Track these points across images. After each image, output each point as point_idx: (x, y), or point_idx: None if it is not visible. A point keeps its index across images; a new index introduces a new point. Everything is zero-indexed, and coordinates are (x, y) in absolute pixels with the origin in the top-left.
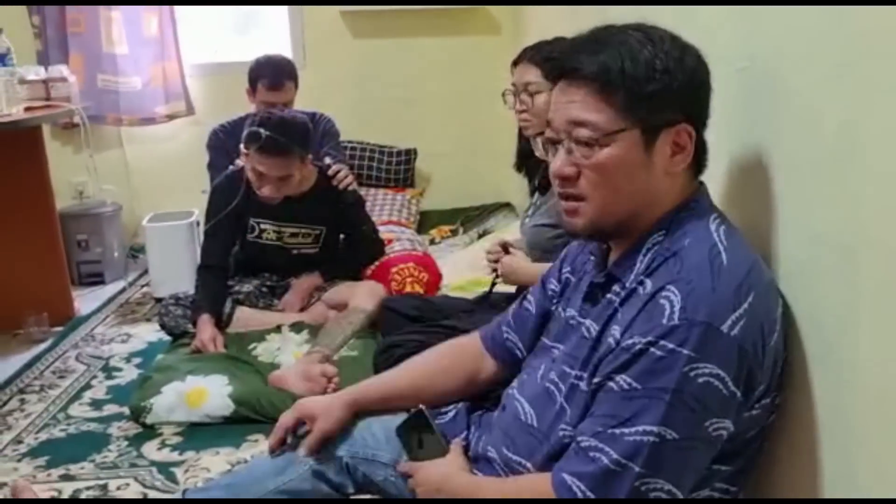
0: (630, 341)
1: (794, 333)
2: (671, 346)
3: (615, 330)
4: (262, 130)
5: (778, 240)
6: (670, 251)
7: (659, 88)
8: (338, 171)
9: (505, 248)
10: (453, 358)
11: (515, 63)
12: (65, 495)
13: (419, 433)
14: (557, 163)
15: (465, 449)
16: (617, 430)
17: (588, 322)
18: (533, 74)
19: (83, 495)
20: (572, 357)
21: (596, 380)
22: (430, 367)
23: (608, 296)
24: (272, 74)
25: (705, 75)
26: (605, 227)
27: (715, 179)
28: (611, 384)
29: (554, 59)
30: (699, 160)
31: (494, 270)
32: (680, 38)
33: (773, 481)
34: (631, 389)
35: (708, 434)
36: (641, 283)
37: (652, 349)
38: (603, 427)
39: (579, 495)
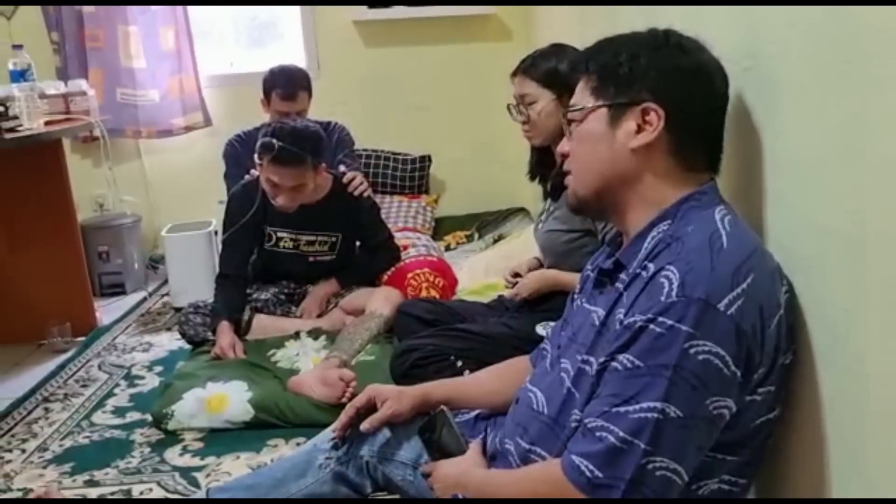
0: (631, 320)
1: (801, 327)
2: (670, 322)
3: (619, 313)
4: (274, 141)
5: (784, 234)
6: (673, 237)
7: (626, 72)
8: (352, 178)
9: (516, 275)
10: (510, 372)
11: (513, 75)
12: None
13: (440, 433)
14: (561, 143)
15: (483, 449)
16: (622, 409)
17: (596, 308)
18: (528, 86)
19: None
20: (580, 343)
21: (600, 360)
22: (491, 378)
23: (615, 283)
24: (286, 84)
25: (688, 64)
26: (585, 198)
27: (721, 176)
28: (614, 364)
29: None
30: (685, 147)
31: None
32: (680, 35)
33: (781, 476)
34: (633, 368)
35: (709, 412)
36: (645, 267)
37: (651, 326)
38: (608, 406)
39: (587, 475)
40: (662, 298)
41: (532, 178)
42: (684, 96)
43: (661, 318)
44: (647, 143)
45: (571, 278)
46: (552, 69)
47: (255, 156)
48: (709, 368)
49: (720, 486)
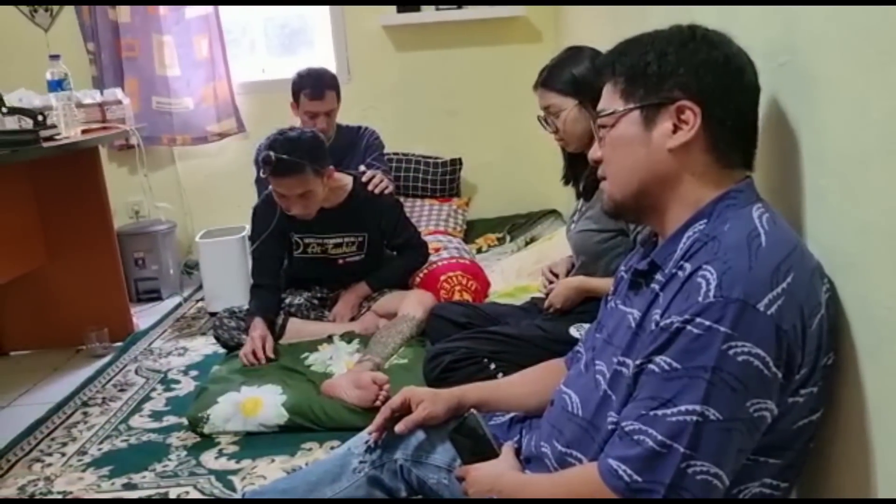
0: (668, 321)
1: (844, 326)
2: (707, 323)
3: (655, 314)
4: (271, 153)
5: (824, 232)
6: (710, 236)
7: (654, 70)
8: (372, 177)
9: (553, 273)
10: (545, 375)
11: (534, 88)
12: None
13: (471, 437)
14: (592, 149)
15: (518, 452)
16: (659, 412)
17: (631, 310)
18: (549, 98)
19: None
20: (615, 345)
21: (637, 362)
22: (525, 381)
23: (651, 284)
24: (313, 84)
25: (718, 58)
26: (623, 202)
27: (759, 172)
28: (651, 366)
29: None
30: (722, 144)
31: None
32: (706, 29)
33: (824, 479)
34: (671, 370)
35: (750, 415)
36: (681, 267)
37: (689, 327)
38: (646, 409)
39: (626, 479)
40: (700, 299)
41: (566, 183)
42: (718, 91)
43: (698, 319)
44: (685, 142)
45: (599, 283)
46: (569, 76)
47: (261, 172)
48: (749, 370)
49: (762, 489)
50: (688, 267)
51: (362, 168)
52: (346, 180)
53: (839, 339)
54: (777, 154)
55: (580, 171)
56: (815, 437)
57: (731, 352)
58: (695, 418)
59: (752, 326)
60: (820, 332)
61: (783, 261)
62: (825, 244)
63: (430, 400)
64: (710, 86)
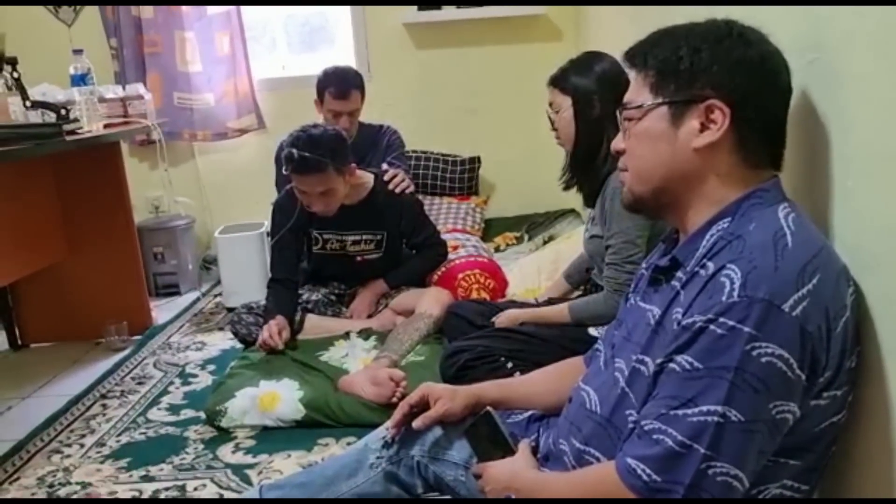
0: (690, 320)
1: (869, 327)
2: (731, 323)
3: (677, 312)
4: (294, 151)
5: (851, 232)
6: (734, 234)
7: (687, 66)
8: (394, 176)
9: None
10: (564, 373)
11: (547, 85)
12: (145, 496)
13: (487, 434)
14: (615, 139)
15: (535, 450)
16: (680, 412)
17: (651, 307)
18: (554, 94)
19: (162, 496)
20: (635, 342)
21: (658, 361)
22: (543, 379)
23: (672, 282)
24: (338, 84)
25: (754, 57)
26: (642, 196)
27: (784, 171)
28: (672, 365)
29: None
30: (750, 144)
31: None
32: (742, 25)
33: (846, 483)
34: (693, 369)
35: (772, 417)
36: (703, 265)
37: (712, 327)
38: (666, 409)
39: (645, 479)
40: (723, 298)
41: (566, 188)
42: (750, 91)
43: (721, 319)
44: (712, 142)
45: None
46: (575, 79)
47: (283, 168)
48: (772, 371)
49: (782, 491)
50: (711, 266)
51: (384, 166)
52: (368, 178)
53: (864, 341)
54: (803, 153)
55: (581, 176)
56: (839, 437)
57: (754, 352)
58: (716, 419)
59: (776, 327)
60: (845, 334)
61: (809, 261)
62: (852, 244)
63: (448, 397)
64: (743, 86)
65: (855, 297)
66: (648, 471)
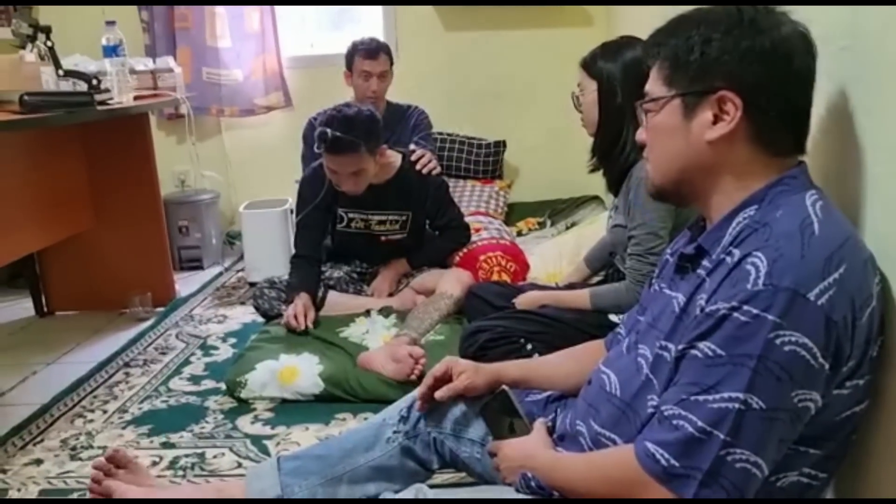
0: (714, 307)
1: (893, 316)
2: (755, 311)
3: (701, 299)
4: (328, 130)
5: (881, 220)
6: (760, 223)
7: (697, 58)
8: (421, 156)
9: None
10: (585, 355)
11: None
12: (165, 462)
13: (503, 413)
14: (638, 131)
15: (551, 430)
16: (701, 398)
17: (676, 294)
18: (582, 76)
19: (181, 463)
20: (659, 329)
21: (680, 347)
22: (564, 360)
23: (698, 270)
24: (368, 44)
25: (764, 45)
26: (664, 186)
27: (814, 159)
28: (694, 352)
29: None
30: (766, 134)
31: None
32: (755, 10)
33: (863, 472)
34: (715, 356)
35: (794, 405)
36: (729, 252)
37: (735, 314)
38: (687, 395)
39: (663, 463)
40: (748, 286)
41: (592, 170)
42: (761, 81)
43: (746, 307)
44: (725, 134)
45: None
46: (602, 63)
47: (314, 146)
48: (795, 360)
49: (799, 479)
50: (737, 253)
51: (412, 147)
52: (396, 157)
53: (887, 330)
54: (831, 140)
55: (604, 162)
56: (859, 427)
57: (777, 341)
58: (737, 406)
59: (801, 316)
60: (870, 324)
61: (836, 251)
62: (881, 233)
63: (471, 371)
64: (754, 76)
65: (881, 287)
66: (667, 455)
